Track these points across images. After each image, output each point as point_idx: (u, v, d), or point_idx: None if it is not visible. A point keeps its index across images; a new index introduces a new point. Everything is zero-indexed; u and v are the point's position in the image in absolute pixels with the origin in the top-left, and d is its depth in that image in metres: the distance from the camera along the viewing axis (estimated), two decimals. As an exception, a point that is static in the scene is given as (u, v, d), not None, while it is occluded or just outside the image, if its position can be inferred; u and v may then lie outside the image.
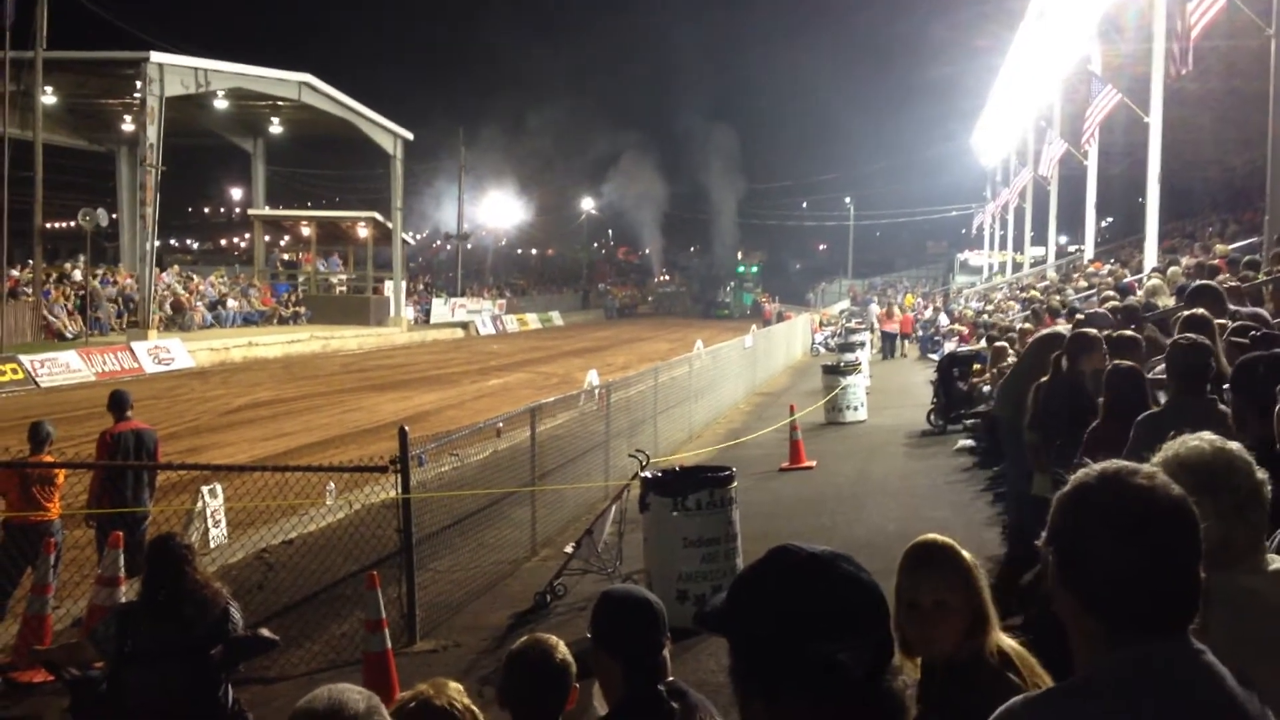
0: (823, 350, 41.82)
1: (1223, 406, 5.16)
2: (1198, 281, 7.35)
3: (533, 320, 68.29)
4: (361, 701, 2.55)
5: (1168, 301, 12.92)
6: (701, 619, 1.88)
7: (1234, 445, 2.48)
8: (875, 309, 53.74)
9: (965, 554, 3.17)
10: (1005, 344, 15.97)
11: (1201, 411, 5.21)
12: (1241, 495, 2.35)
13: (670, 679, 3.41)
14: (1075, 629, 1.91)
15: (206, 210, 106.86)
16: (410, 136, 53.33)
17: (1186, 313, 6.96)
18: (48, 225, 42.08)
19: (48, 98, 38.70)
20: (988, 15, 40.86)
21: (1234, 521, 2.21)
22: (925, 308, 50.70)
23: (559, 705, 3.65)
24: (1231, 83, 28.47)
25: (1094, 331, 8.21)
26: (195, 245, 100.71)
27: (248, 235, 65.59)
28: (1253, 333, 6.38)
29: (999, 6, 36.58)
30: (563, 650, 3.73)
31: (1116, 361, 6.63)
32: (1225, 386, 5.15)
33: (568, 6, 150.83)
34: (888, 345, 40.89)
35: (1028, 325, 17.71)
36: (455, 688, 3.36)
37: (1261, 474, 2.42)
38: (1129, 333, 8.00)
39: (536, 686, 3.64)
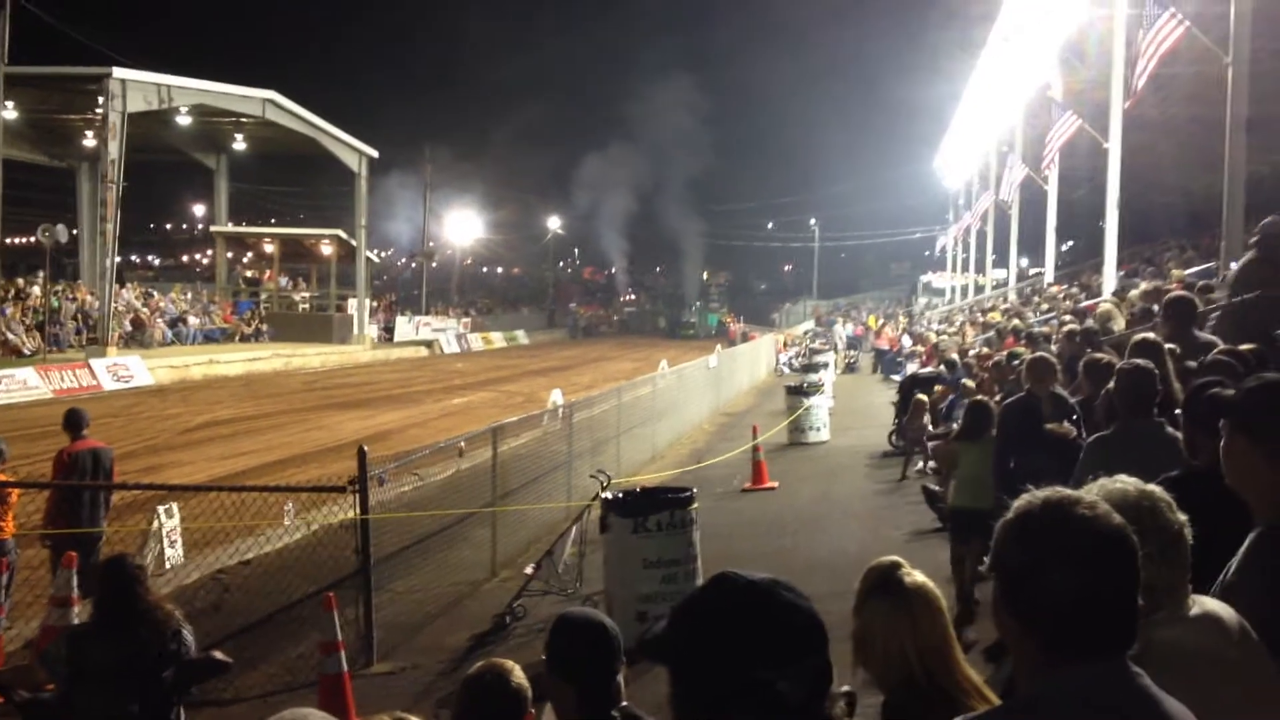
0: (787, 371, 41.97)
1: (1170, 430, 5.22)
2: (1141, 335, 7.41)
3: (497, 339, 68.14)
4: None
5: (1122, 325, 13.07)
6: (643, 646, 1.89)
7: (1154, 487, 2.51)
8: (839, 329, 54.16)
9: (925, 581, 3.17)
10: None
11: (1149, 435, 5.28)
12: (1167, 537, 2.38)
13: (624, 704, 3.40)
14: (1017, 652, 1.96)
15: (168, 226, 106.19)
16: (375, 154, 53.21)
17: (1137, 337, 7.05)
18: (6, 241, 41.74)
19: (8, 112, 38.29)
20: (952, 40, 41.29)
21: (1158, 565, 2.24)
22: (884, 326, 51.26)
23: (513, 730, 3.63)
24: (1192, 109, 28.83)
25: (1050, 357, 8.31)
26: (157, 261, 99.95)
27: (210, 252, 65.22)
28: (1202, 359, 6.45)
29: (963, 32, 36.99)
30: (518, 675, 3.72)
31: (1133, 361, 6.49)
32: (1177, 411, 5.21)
33: (533, 28, 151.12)
34: (879, 360, 42.08)
35: (986, 349, 17.91)
36: None
37: (1182, 515, 2.45)
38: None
39: (491, 711, 3.62)
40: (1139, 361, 5.70)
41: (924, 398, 17.04)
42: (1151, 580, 2.05)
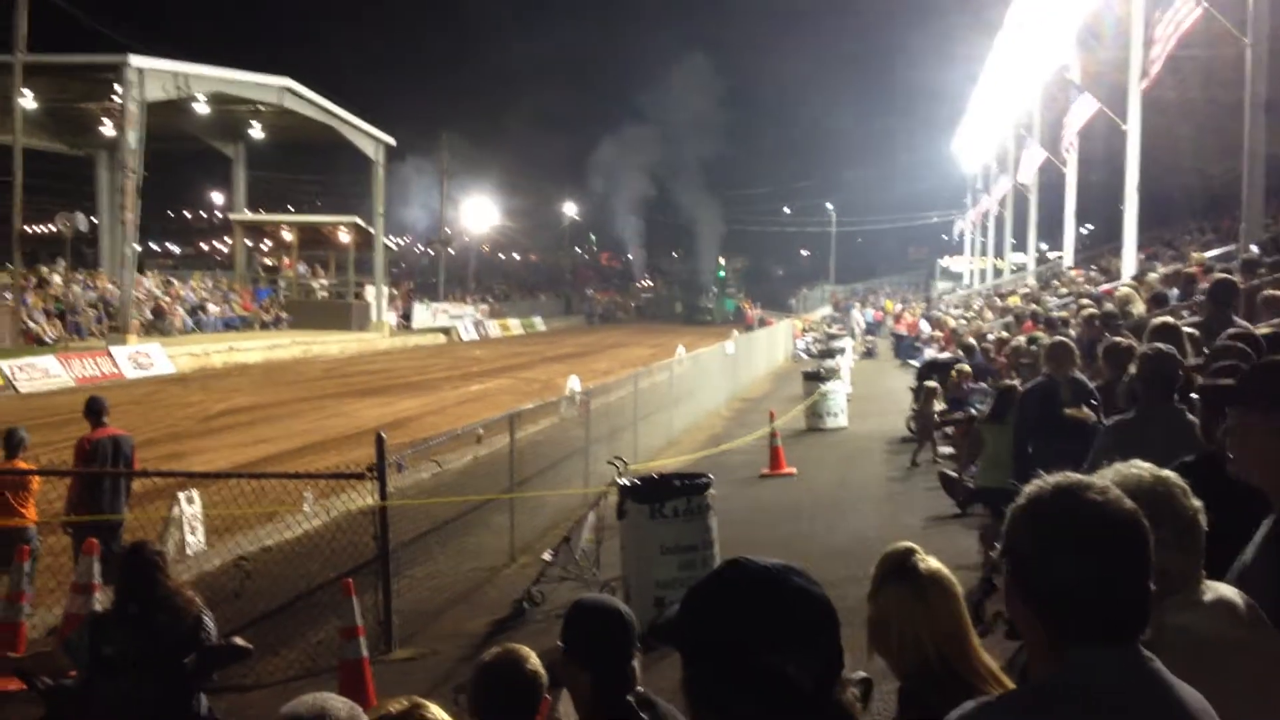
0: (804, 356, 41.89)
1: (1189, 415, 5.21)
2: (1160, 319, 7.41)
3: (515, 325, 68.19)
4: (344, 709, 2.58)
5: (1141, 309, 13.02)
6: (655, 630, 1.91)
7: (1170, 473, 2.50)
8: (857, 315, 54.04)
9: (940, 568, 3.17)
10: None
11: (1167, 419, 5.27)
12: (1182, 523, 2.38)
13: (640, 689, 3.41)
14: (1029, 638, 1.97)
15: (187, 215, 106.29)
16: (392, 141, 53.26)
17: (1156, 321, 7.03)
18: (27, 229, 41.87)
19: (27, 101, 38.45)
20: (968, 24, 41.14)
21: (1173, 551, 2.24)
22: (902, 311, 51.21)
23: (529, 716, 3.65)
24: (1210, 91, 28.66)
25: (1069, 342, 8.29)
26: (176, 250, 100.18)
27: (228, 240, 65.39)
28: (1212, 345, 6.43)
29: (978, 15, 36.83)
30: (533, 660, 3.73)
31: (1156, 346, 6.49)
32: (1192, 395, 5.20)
33: (549, 13, 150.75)
34: (898, 345, 42.11)
35: (1005, 334, 17.87)
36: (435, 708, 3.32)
37: (1197, 501, 2.44)
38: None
39: (507, 697, 3.64)
40: (1162, 346, 5.69)
41: (934, 384, 17.07)
42: (1165, 566, 2.04)
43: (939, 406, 16.61)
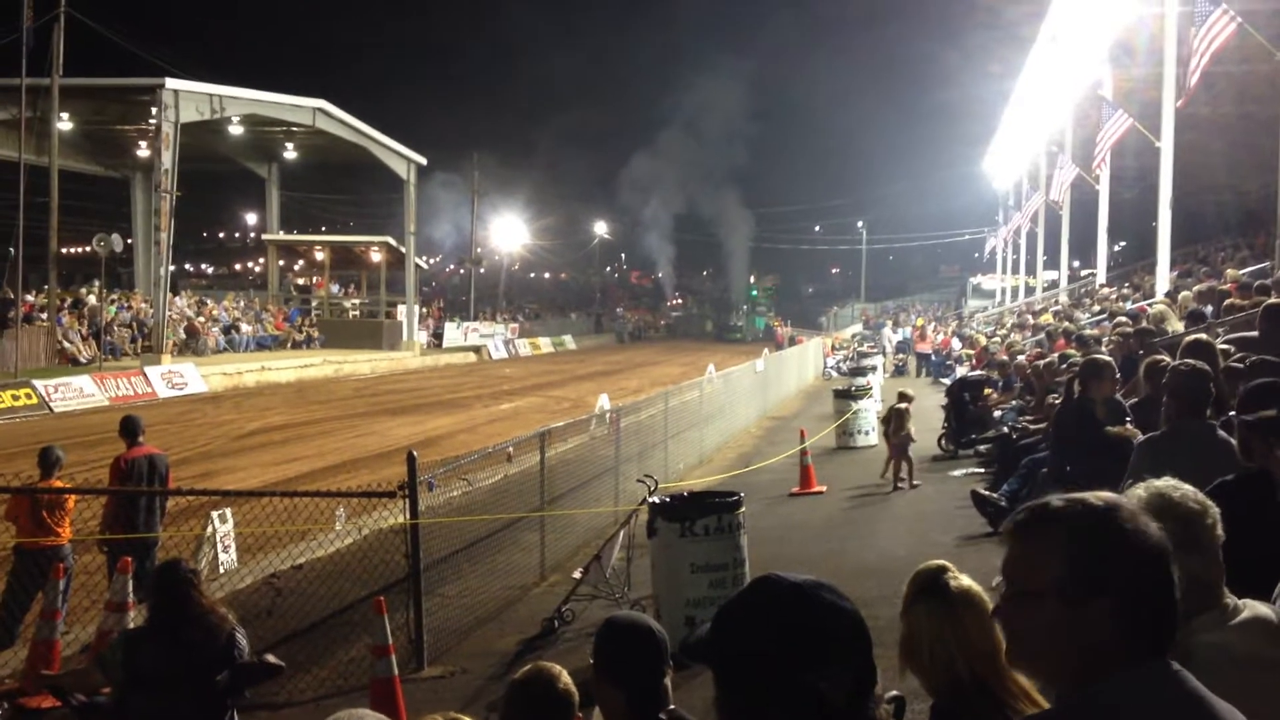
0: (835, 374, 41.76)
1: (1221, 433, 5.15)
2: (1193, 336, 7.33)
3: (545, 344, 68.32)
4: None
5: (1176, 326, 12.90)
6: (686, 649, 1.90)
7: (1181, 493, 2.47)
8: (888, 333, 53.86)
9: (972, 585, 3.15)
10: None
11: (1199, 436, 5.21)
12: (1177, 539, 2.35)
13: (672, 707, 3.40)
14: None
15: (221, 235, 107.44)
16: (423, 161, 53.55)
17: (1189, 337, 6.97)
18: (63, 250, 42.44)
19: (64, 124, 38.93)
20: (1000, 40, 40.92)
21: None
22: (925, 329, 51.01)
23: (561, 735, 3.64)
24: (1244, 107, 28.47)
25: (1105, 358, 8.22)
26: (210, 270, 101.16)
27: (262, 260, 65.91)
28: (1250, 359, 6.36)
29: (1011, 31, 36.64)
30: (565, 679, 3.73)
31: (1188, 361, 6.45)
32: (1232, 413, 5.14)
33: (581, 32, 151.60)
34: (922, 364, 42.21)
35: (1038, 349, 17.76)
36: None
37: (1209, 519, 2.42)
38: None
39: (538, 716, 3.63)
40: (1194, 362, 5.64)
41: (908, 406, 16.93)
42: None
43: (912, 428, 16.56)
